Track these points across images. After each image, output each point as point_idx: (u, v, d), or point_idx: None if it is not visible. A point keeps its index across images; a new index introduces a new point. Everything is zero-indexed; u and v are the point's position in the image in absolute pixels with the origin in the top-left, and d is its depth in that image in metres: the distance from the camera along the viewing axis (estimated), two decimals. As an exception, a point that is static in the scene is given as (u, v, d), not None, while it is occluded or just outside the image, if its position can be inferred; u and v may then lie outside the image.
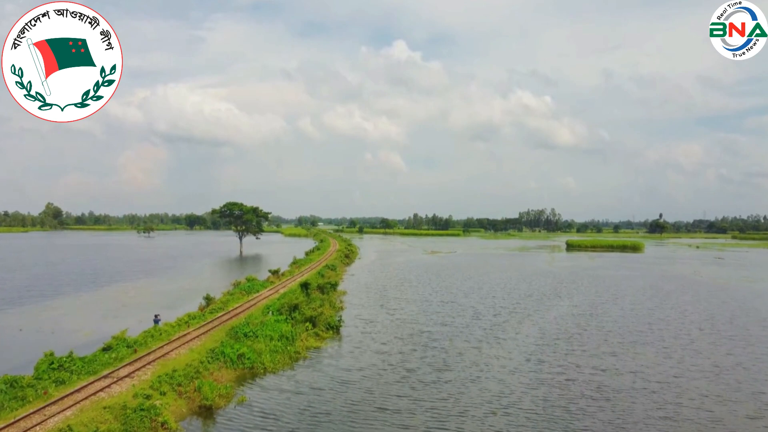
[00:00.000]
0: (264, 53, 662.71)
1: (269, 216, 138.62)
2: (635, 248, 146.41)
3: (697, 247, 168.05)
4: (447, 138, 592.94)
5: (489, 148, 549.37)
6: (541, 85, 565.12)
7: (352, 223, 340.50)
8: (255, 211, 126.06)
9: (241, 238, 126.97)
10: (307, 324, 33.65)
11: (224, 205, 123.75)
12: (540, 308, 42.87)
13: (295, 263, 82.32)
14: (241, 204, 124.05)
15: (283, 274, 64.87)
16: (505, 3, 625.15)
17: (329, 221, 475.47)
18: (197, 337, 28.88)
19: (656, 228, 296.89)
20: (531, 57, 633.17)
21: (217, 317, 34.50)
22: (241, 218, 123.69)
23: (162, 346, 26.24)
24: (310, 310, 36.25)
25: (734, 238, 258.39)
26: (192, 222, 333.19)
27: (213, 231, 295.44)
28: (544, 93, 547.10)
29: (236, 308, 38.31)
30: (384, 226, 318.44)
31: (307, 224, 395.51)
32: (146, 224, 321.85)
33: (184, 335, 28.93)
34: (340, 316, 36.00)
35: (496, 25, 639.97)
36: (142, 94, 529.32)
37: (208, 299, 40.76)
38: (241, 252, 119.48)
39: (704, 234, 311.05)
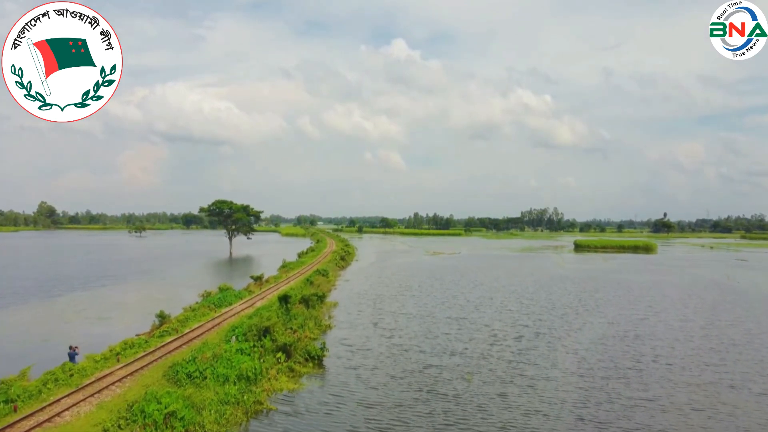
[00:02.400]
0: (264, 52, 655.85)
1: (261, 214, 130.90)
2: (647, 249, 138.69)
3: (711, 247, 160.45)
4: (447, 137, 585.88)
5: (489, 147, 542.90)
6: (541, 84, 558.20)
7: (352, 222, 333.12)
8: (245, 209, 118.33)
9: (230, 239, 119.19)
10: (280, 354, 25.97)
11: (213, 204, 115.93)
12: (570, 327, 35.14)
13: (284, 267, 74.71)
14: (231, 202, 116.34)
15: (267, 281, 57.18)
16: (505, 1, 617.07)
17: (329, 220, 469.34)
18: (122, 380, 21.15)
19: (662, 227, 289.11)
20: (531, 56, 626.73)
21: (163, 345, 26.79)
22: (230, 217, 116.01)
23: (60, 399, 18.53)
24: (285, 335, 28.51)
25: (743, 237, 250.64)
26: (189, 221, 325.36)
27: (210, 231, 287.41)
28: (544, 92, 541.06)
29: (194, 330, 30.61)
30: (384, 225, 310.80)
31: (306, 223, 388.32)
32: (139, 223, 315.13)
33: (105, 377, 21.22)
34: (323, 344, 28.22)
35: (496, 23, 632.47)
36: (142, 93, 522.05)
37: (162, 317, 33.05)
38: (230, 253, 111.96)
39: (710, 233, 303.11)
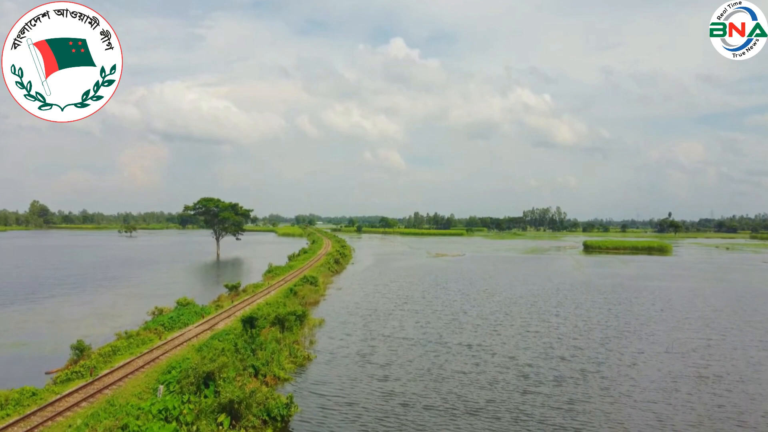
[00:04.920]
0: (263, 51, 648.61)
1: (251, 213, 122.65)
2: (662, 250, 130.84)
3: (727, 248, 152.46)
4: (447, 136, 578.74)
5: (489, 146, 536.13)
6: (541, 83, 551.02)
7: (351, 222, 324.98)
8: (234, 207, 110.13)
9: (217, 239, 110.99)
10: (222, 417, 17.70)
11: (198, 202, 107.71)
12: (621, 360, 26.85)
13: (270, 272, 66.48)
14: (218, 200, 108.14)
15: (244, 290, 49.00)
16: (504, 0, 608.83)
17: (329, 220, 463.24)
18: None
19: (668, 227, 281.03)
20: (530, 55, 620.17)
21: (53, 401, 18.46)
22: (217, 216, 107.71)
23: None
24: (236, 383, 20.19)
25: (752, 238, 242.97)
26: (185, 221, 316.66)
27: (205, 230, 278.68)
28: (543, 91, 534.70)
29: (116, 370, 22.28)
30: (384, 225, 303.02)
31: (304, 223, 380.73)
32: (135, 223, 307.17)
33: None
34: (290, 397, 19.82)
35: (495, 22, 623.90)
36: (141, 92, 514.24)
37: (80, 349, 24.79)
38: (217, 255, 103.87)
39: (715, 233, 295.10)
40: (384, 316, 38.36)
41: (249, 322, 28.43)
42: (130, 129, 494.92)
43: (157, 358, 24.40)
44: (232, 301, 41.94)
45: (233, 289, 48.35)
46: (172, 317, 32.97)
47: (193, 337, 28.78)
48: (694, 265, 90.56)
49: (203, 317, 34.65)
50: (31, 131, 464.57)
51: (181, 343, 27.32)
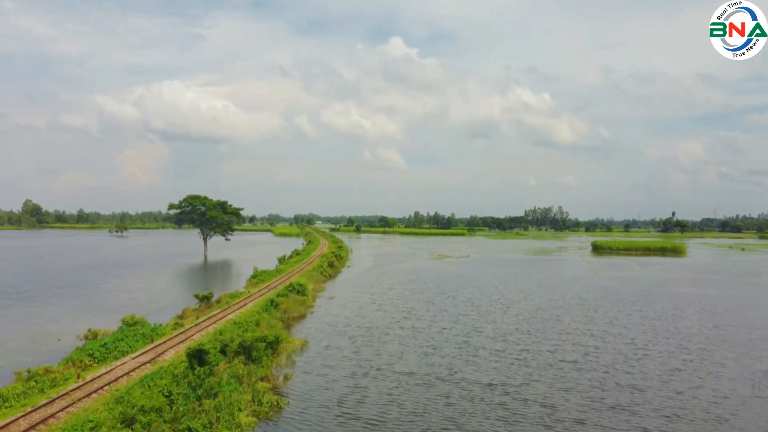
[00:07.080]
0: (263, 51, 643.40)
1: (241, 211, 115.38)
2: (676, 251, 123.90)
3: (742, 248, 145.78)
4: (446, 135, 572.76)
5: (489, 145, 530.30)
6: (541, 82, 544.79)
7: (350, 221, 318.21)
8: (222, 205, 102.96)
9: (205, 240, 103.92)
10: None
11: (185, 200, 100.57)
12: (703, 410, 19.59)
13: (255, 277, 59.41)
14: (205, 197, 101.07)
15: (218, 301, 41.94)
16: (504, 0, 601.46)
17: (328, 219, 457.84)
18: None
19: (673, 227, 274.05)
20: (530, 54, 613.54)
21: None
22: (204, 215, 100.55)
23: None
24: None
25: (761, 237, 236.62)
26: (180, 220, 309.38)
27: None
28: (543, 90, 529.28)
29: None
30: (383, 224, 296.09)
31: (303, 223, 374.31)
32: (126, 223, 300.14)
33: None
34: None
35: (494, 21, 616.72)
36: (140, 92, 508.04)
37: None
38: (205, 257, 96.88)
39: (719, 233, 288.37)
40: (379, 337, 31.18)
41: (197, 356, 21.25)
42: (129, 128, 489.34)
43: (54, 415, 17.17)
44: (197, 318, 34.74)
45: (204, 299, 41.38)
46: (106, 344, 25.69)
47: (122, 375, 21.54)
48: (717, 267, 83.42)
49: (152, 342, 27.48)
50: (29, 130, 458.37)
51: (103, 387, 20.10)
